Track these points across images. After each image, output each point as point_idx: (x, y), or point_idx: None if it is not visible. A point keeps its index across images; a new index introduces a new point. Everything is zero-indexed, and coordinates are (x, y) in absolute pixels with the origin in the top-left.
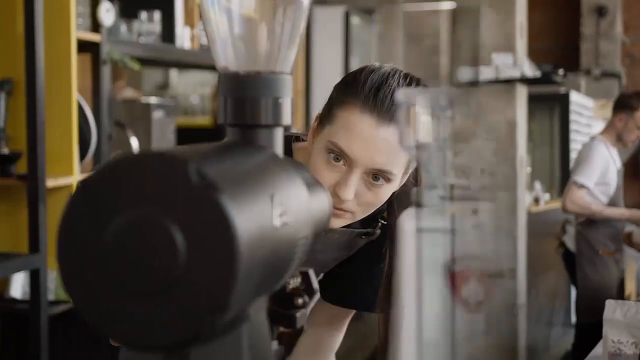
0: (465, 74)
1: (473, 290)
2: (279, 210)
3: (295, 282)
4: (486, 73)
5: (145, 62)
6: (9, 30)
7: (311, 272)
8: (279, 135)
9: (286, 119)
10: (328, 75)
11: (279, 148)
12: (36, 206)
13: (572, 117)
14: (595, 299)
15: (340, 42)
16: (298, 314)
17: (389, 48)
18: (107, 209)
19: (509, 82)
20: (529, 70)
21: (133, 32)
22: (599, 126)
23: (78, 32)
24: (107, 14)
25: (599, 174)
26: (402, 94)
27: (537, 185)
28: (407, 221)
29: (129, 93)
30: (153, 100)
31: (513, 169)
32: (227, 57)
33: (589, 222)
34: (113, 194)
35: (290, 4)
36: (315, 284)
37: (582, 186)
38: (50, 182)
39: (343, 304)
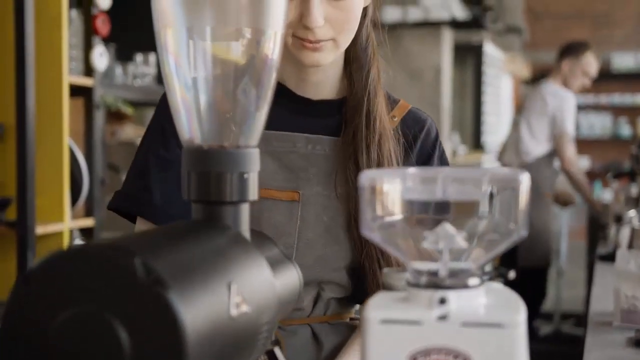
0: (391, 13)
1: None
2: (237, 299)
3: None
4: (414, 13)
5: (140, 104)
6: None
7: (277, 350)
8: (244, 212)
9: (252, 194)
10: None
11: (244, 225)
12: (25, 254)
13: (484, 68)
14: (537, 243)
15: None
16: None
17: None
18: (50, 304)
19: (437, 24)
20: (459, 11)
21: (128, 75)
22: (506, 80)
23: (71, 76)
24: (101, 58)
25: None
26: (366, 176)
27: (456, 137)
28: (372, 311)
29: (129, 130)
30: None
31: (437, 117)
32: (192, 130)
33: (531, 164)
34: (56, 288)
35: (258, 67)
36: None
37: (572, 139)
38: (40, 229)
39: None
